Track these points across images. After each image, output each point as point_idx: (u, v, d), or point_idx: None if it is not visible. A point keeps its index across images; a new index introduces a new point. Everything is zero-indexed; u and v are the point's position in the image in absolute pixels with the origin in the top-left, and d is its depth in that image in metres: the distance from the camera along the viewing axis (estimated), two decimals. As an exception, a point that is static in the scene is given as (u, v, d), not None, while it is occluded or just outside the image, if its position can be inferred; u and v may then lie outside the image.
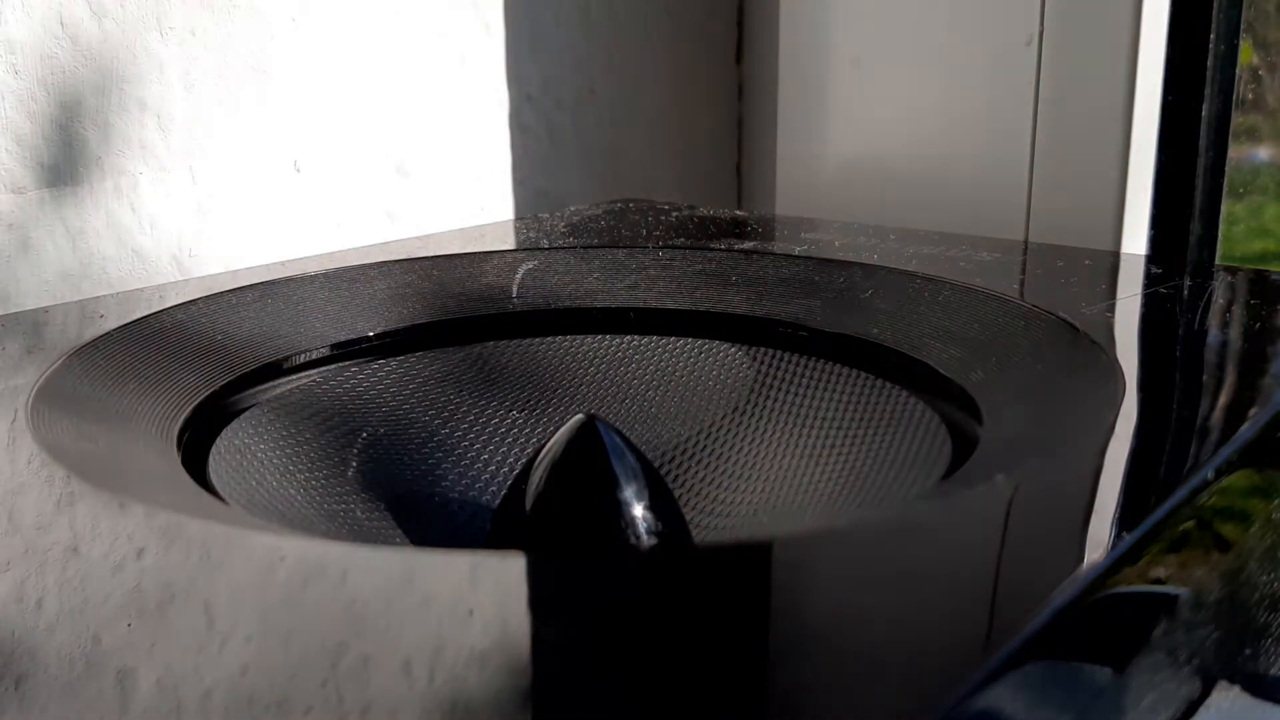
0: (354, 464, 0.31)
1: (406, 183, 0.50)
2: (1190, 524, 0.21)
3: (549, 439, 0.29)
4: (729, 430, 0.33)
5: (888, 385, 0.31)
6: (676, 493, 0.31)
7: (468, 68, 0.51)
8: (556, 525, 0.28)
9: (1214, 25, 0.47)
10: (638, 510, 0.27)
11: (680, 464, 0.32)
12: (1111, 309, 0.32)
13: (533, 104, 0.54)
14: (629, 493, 0.27)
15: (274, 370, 0.32)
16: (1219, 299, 0.34)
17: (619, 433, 0.29)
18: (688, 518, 0.30)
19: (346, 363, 0.34)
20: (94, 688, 0.15)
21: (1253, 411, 0.24)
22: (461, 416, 0.34)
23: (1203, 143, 0.48)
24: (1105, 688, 0.19)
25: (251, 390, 0.31)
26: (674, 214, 0.48)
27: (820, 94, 0.57)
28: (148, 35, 0.40)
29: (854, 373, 0.32)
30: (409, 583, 0.18)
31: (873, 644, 0.16)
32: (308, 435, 0.31)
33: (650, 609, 0.17)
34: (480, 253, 0.40)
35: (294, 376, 0.33)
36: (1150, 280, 0.36)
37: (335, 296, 0.36)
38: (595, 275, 0.39)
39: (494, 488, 0.32)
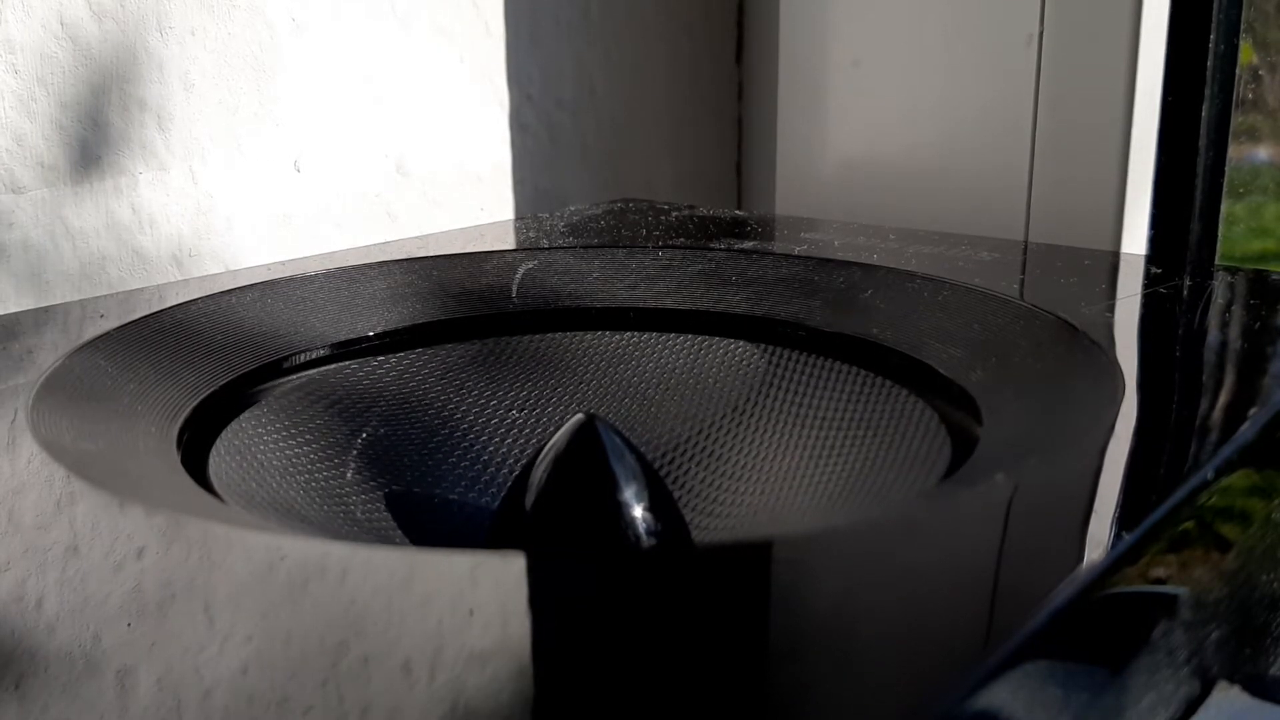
0: (353, 464, 0.31)
1: (406, 183, 0.50)
2: (1190, 524, 0.21)
3: (549, 439, 0.29)
4: (729, 430, 0.33)
5: (888, 385, 0.31)
6: (676, 493, 0.31)
7: (468, 67, 0.51)
8: (556, 525, 0.28)
9: (1214, 25, 0.47)
10: (637, 510, 0.27)
11: (680, 464, 0.32)
12: (1111, 309, 0.32)
13: (533, 104, 0.54)
14: (629, 493, 0.27)
15: (274, 370, 0.32)
16: (1219, 299, 0.34)
17: (618, 433, 0.29)
18: (687, 518, 0.30)
19: (346, 362, 0.34)
20: (94, 687, 0.15)
21: (1252, 411, 0.24)
22: (461, 417, 0.34)
23: (1202, 143, 0.48)
24: (1105, 688, 0.19)
25: (252, 390, 0.31)
26: (674, 214, 0.48)
27: (820, 94, 0.57)
28: (148, 35, 0.40)
29: (854, 372, 0.32)
30: (409, 582, 0.18)
31: (873, 644, 0.16)
32: (307, 435, 0.31)
33: (650, 609, 0.17)
34: (480, 253, 0.40)
35: (294, 376, 0.33)
36: (1150, 280, 0.36)
37: (335, 296, 0.36)
38: (595, 275, 0.39)
39: (494, 489, 0.32)
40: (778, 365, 0.34)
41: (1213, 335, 0.31)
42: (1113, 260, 0.41)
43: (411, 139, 0.49)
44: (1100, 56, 0.48)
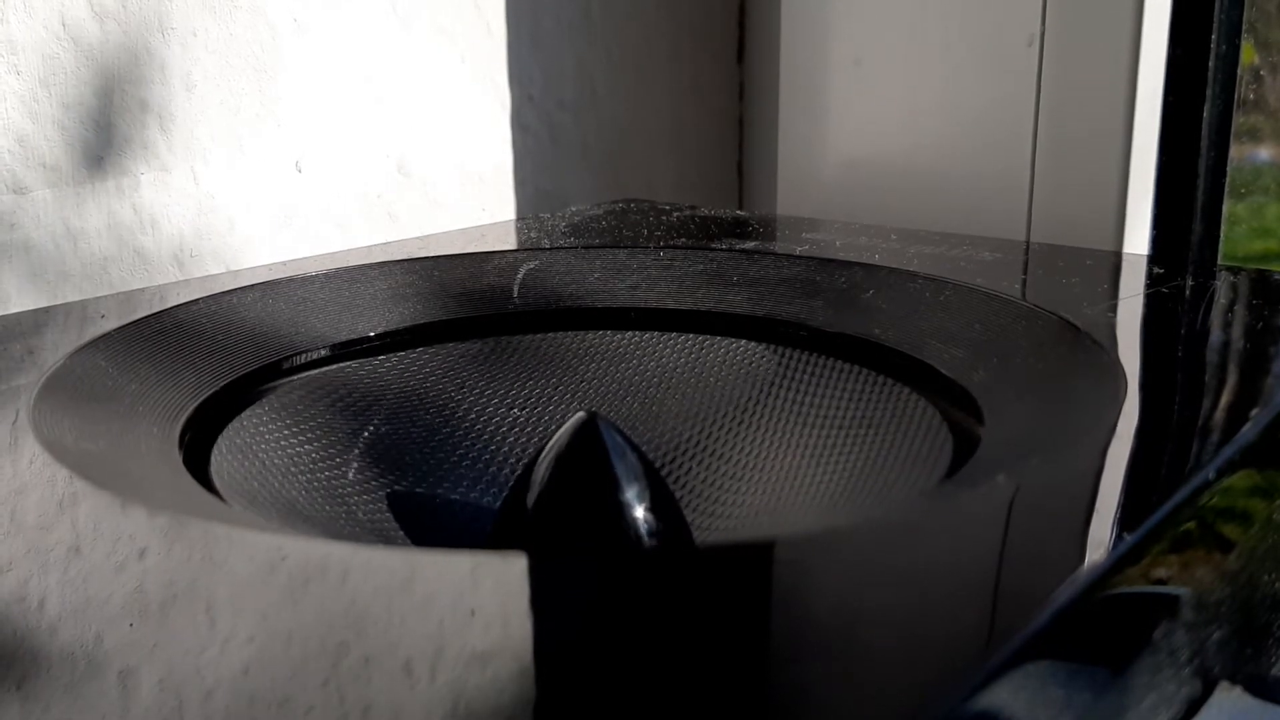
0: (355, 464, 0.31)
1: (407, 183, 0.50)
2: (1192, 524, 0.21)
3: (550, 437, 0.29)
4: (730, 429, 0.33)
5: (889, 385, 0.31)
6: (677, 492, 0.31)
7: (469, 67, 0.51)
8: (558, 524, 0.28)
9: (1215, 25, 0.47)
10: (639, 509, 0.27)
11: (681, 463, 0.32)
12: (1113, 309, 0.32)
13: (534, 104, 0.54)
14: (630, 492, 0.27)
15: (275, 370, 0.32)
16: (1220, 299, 0.34)
17: (620, 431, 0.29)
18: (689, 517, 0.30)
19: (348, 363, 0.34)
20: (96, 688, 0.15)
21: (1254, 412, 0.24)
22: (463, 416, 0.34)
23: (1204, 143, 0.48)
24: (1106, 688, 0.19)
25: (253, 390, 0.31)
26: (675, 214, 0.48)
27: (821, 94, 0.57)
28: (149, 36, 0.40)
29: (855, 372, 0.32)
30: (410, 583, 0.18)
31: (873, 644, 0.16)
32: (309, 435, 0.31)
33: (651, 609, 0.17)
34: (481, 253, 0.40)
35: (295, 377, 0.33)
36: (1152, 280, 0.36)
37: (336, 297, 0.36)
38: (596, 275, 0.39)
39: (496, 487, 0.32)
40: (779, 365, 0.34)
41: (1215, 335, 0.31)
42: (1114, 260, 0.41)
43: (413, 139, 0.49)
44: (1102, 57, 0.48)
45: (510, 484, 0.31)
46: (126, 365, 0.29)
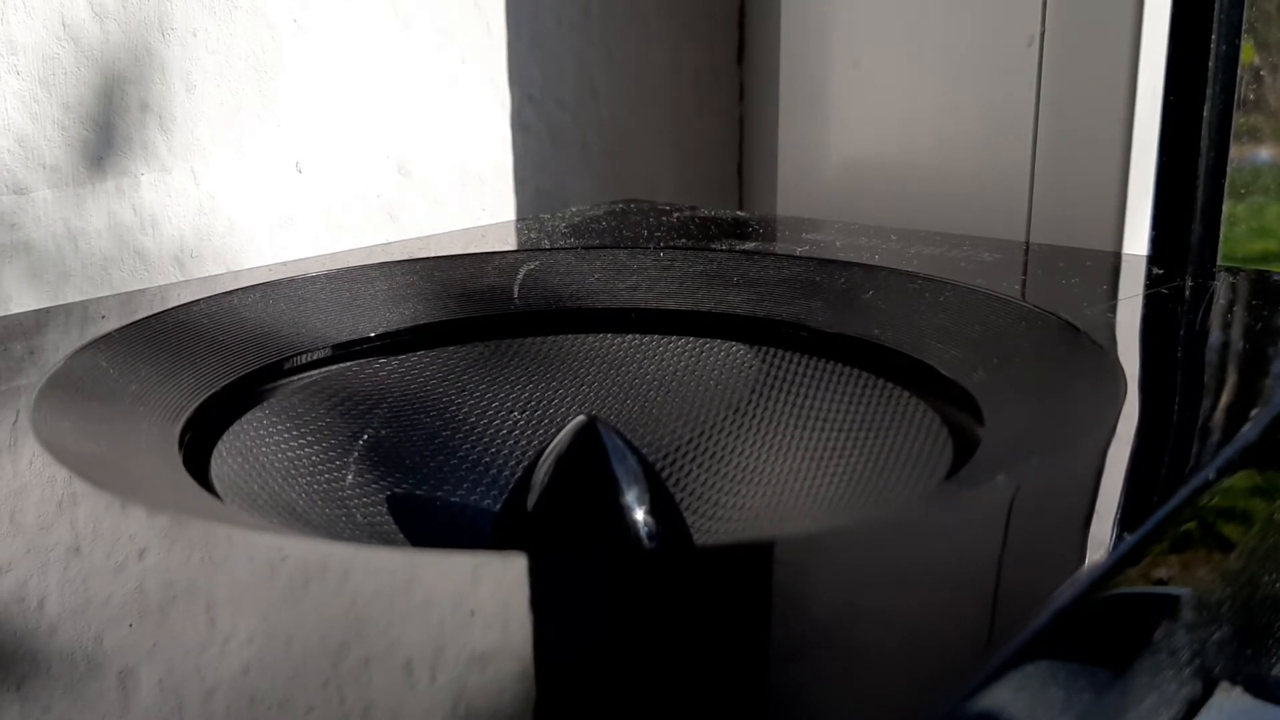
0: (355, 465, 0.31)
1: (407, 183, 0.50)
2: (1192, 524, 0.21)
3: (550, 440, 0.29)
4: (730, 431, 0.33)
5: (889, 386, 0.31)
6: (677, 494, 0.31)
7: (469, 68, 0.51)
8: (558, 527, 0.28)
9: (1215, 25, 0.47)
10: (639, 512, 0.27)
11: (681, 465, 0.32)
12: (1113, 309, 0.32)
13: (534, 104, 0.54)
14: (630, 495, 0.27)
15: (276, 371, 0.32)
16: (1220, 299, 0.34)
17: (620, 434, 0.29)
18: (688, 519, 0.30)
19: (348, 364, 0.34)
20: (96, 688, 0.15)
21: (1254, 412, 0.24)
22: (463, 418, 0.34)
23: (1204, 143, 0.48)
24: (1106, 688, 0.19)
25: (253, 391, 0.31)
26: (675, 214, 0.48)
27: (821, 94, 0.57)
28: (149, 36, 0.40)
29: (855, 373, 0.32)
30: (410, 583, 0.18)
31: (873, 644, 0.16)
32: (309, 436, 0.31)
33: (651, 609, 0.17)
34: (481, 253, 0.40)
35: (296, 377, 0.33)
36: (1152, 281, 0.36)
37: (336, 297, 0.36)
38: (596, 276, 0.39)
39: (496, 490, 0.32)
40: (779, 366, 0.34)
41: (1214, 336, 0.31)
42: (1114, 261, 0.41)
43: (413, 140, 0.49)
44: (1102, 57, 0.48)
45: (510, 486, 0.31)
46: (127, 366, 0.29)
